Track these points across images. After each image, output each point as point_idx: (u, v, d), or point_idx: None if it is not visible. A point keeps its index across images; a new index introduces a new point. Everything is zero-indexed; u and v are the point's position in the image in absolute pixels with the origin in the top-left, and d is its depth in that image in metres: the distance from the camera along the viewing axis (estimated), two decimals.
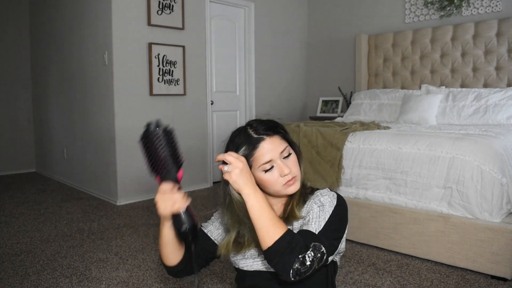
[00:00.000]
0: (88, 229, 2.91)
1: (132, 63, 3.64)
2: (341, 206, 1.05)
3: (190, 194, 4.00)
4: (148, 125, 0.94)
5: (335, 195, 1.07)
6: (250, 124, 1.08)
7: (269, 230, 0.93)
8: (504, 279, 2.03)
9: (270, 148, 1.02)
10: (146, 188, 3.81)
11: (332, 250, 0.98)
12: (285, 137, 1.08)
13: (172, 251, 1.09)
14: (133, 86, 3.65)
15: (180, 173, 0.98)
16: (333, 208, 1.03)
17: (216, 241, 1.17)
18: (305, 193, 1.12)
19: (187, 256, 1.12)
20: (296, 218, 1.07)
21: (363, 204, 2.53)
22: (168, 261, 1.12)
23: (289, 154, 1.06)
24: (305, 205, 1.09)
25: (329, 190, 1.10)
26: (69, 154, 4.44)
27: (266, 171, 1.03)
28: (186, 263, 1.13)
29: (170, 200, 0.96)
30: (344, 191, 2.67)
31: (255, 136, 1.03)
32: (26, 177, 4.97)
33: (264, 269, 1.12)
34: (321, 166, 2.72)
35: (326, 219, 1.01)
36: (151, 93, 3.75)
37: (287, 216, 1.09)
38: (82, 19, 3.98)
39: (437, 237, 2.22)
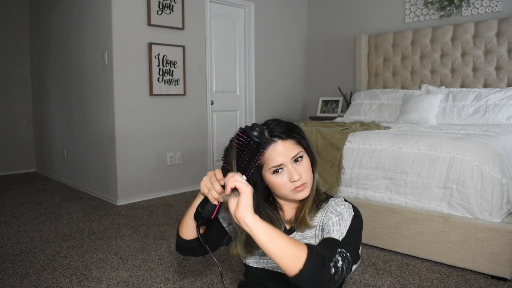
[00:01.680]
0: (88, 229, 2.91)
1: (132, 63, 3.64)
2: (359, 218, 1.03)
3: (190, 194, 4.00)
4: (253, 127, 0.93)
5: (351, 206, 1.05)
6: (267, 123, 1.05)
7: (292, 256, 0.84)
8: (504, 279, 2.03)
9: (282, 152, 1.00)
10: (146, 188, 3.81)
11: (356, 257, 0.96)
12: (301, 142, 1.05)
13: (191, 225, 1.11)
14: (133, 86, 3.65)
15: None
16: (352, 217, 1.01)
17: (226, 229, 1.19)
18: (318, 200, 1.09)
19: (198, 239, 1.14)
20: (307, 226, 1.06)
21: (363, 204, 2.53)
22: (183, 233, 1.14)
23: (302, 160, 1.03)
24: (318, 213, 1.07)
25: (343, 199, 1.08)
26: (69, 154, 4.44)
27: (275, 172, 1.02)
28: (196, 245, 1.14)
29: (211, 185, 0.98)
30: (344, 191, 2.67)
31: (268, 137, 1.01)
32: (26, 177, 4.97)
33: (269, 268, 1.12)
34: (321, 166, 2.72)
35: (347, 227, 0.98)
36: (151, 93, 3.75)
37: (299, 223, 1.07)
38: (82, 19, 3.98)
39: (437, 237, 2.22)
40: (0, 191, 4.13)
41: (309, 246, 0.87)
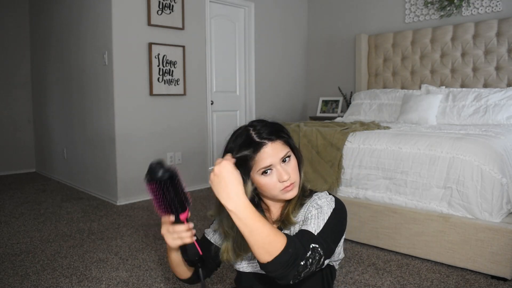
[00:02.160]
0: (88, 229, 2.91)
1: (132, 63, 3.64)
2: (340, 211, 1.03)
3: (190, 194, 4.00)
4: (152, 169, 0.89)
5: (333, 198, 1.05)
6: (253, 125, 1.04)
7: (266, 247, 0.85)
8: (504, 279, 2.03)
9: (271, 153, 0.99)
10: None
11: (329, 253, 0.95)
12: (288, 142, 1.04)
13: (183, 270, 1.14)
14: (133, 86, 3.65)
15: (184, 215, 0.97)
16: (331, 210, 1.01)
17: (212, 240, 1.19)
18: (303, 196, 1.09)
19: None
20: (291, 223, 1.06)
21: (363, 204, 2.53)
22: (181, 276, 1.17)
23: (290, 160, 1.03)
24: (302, 209, 1.07)
25: (327, 193, 1.07)
26: (69, 154, 4.44)
27: (264, 173, 1.01)
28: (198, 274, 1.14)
29: (176, 233, 0.97)
30: (344, 191, 2.67)
31: (257, 140, 1.00)
32: (26, 177, 4.97)
33: (258, 271, 1.12)
34: (321, 166, 2.72)
35: (325, 220, 0.98)
36: (151, 93, 3.75)
37: (283, 221, 1.07)
38: (82, 19, 3.98)
39: (437, 237, 2.22)
40: (0, 191, 4.13)
41: (288, 242, 0.86)
